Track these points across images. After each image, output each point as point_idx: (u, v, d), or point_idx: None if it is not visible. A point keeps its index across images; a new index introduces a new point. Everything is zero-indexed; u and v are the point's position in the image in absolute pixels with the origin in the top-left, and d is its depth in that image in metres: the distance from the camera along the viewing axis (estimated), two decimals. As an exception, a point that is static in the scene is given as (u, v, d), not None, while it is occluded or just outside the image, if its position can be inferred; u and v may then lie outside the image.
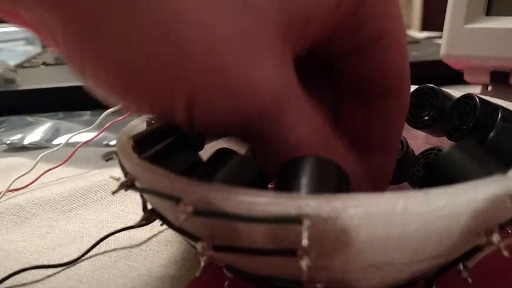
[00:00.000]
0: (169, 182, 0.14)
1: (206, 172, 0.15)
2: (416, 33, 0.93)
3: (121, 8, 0.12)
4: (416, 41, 0.63)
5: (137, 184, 0.16)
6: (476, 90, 0.39)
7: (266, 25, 0.14)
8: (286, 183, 0.14)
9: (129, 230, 0.23)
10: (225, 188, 0.13)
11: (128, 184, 0.16)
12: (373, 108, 0.19)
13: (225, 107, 0.14)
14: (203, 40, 0.13)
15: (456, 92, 0.24)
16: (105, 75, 0.14)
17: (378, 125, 0.19)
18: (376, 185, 0.19)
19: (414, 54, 0.53)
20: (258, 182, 0.16)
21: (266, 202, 0.13)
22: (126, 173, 0.17)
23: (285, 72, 0.15)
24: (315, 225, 0.12)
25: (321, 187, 0.13)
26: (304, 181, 0.13)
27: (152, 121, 0.22)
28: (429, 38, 0.77)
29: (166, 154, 0.17)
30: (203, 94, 0.13)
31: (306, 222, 0.12)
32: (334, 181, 0.14)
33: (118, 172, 0.29)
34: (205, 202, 0.13)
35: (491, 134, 0.17)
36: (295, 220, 0.12)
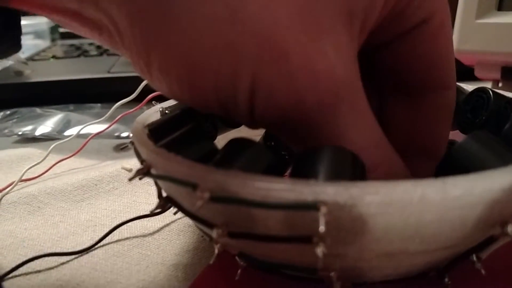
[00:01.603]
0: (186, 168, 0.14)
1: (223, 159, 0.15)
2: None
3: None
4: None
5: (153, 171, 0.16)
6: (486, 86, 0.39)
7: (332, 12, 0.13)
8: (302, 171, 0.14)
9: (142, 220, 0.23)
10: (242, 175, 0.13)
11: (144, 171, 0.16)
12: (421, 105, 0.17)
13: (285, 94, 0.13)
14: (268, 22, 0.12)
15: (468, 86, 0.24)
16: (173, 67, 0.14)
17: (427, 125, 0.17)
18: None
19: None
20: (274, 170, 0.16)
21: (283, 188, 0.13)
22: (142, 161, 0.17)
23: (348, 63, 0.14)
24: (331, 212, 0.12)
25: (337, 175, 0.14)
26: (321, 168, 0.14)
27: (166, 111, 0.22)
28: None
29: (182, 142, 0.17)
30: (265, 78, 0.13)
31: (323, 209, 0.12)
32: (351, 170, 0.14)
33: (130, 163, 0.30)
34: (222, 189, 0.14)
35: (507, 126, 0.17)
36: (312, 206, 0.12)
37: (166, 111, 0.22)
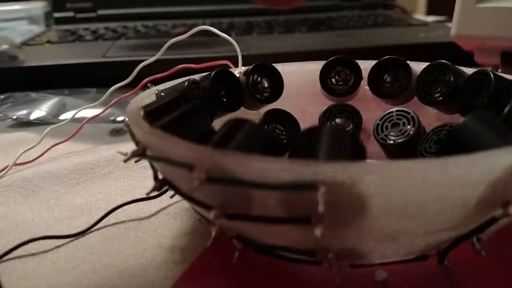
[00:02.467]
0: (182, 149, 0.14)
1: (220, 140, 0.15)
2: (423, 17, 0.92)
3: None
4: (424, 24, 0.62)
5: (149, 153, 0.16)
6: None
7: None
8: (301, 152, 0.14)
9: (138, 203, 0.23)
10: (239, 155, 0.13)
11: (140, 153, 0.16)
12: None
13: None
14: None
15: (468, 69, 0.23)
16: None
17: None
18: None
19: (422, 36, 0.52)
20: (272, 151, 0.15)
21: (281, 168, 0.12)
22: (137, 142, 0.17)
23: None
24: (330, 192, 0.12)
25: (337, 155, 0.13)
26: (320, 149, 0.13)
27: (162, 93, 0.22)
28: (436, 21, 0.76)
29: (178, 123, 0.17)
30: None
31: (322, 189, 0.12)
32: (350, 150, 0.14)
33: (126, 147, 0.29)
34: (219, 169, 0.13)
35: (507, 108, 0.16)
36: (311, 186, 0.12)
37: (162, 94, 0.22)
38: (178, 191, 0.16)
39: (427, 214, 0.13)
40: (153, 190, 0.17)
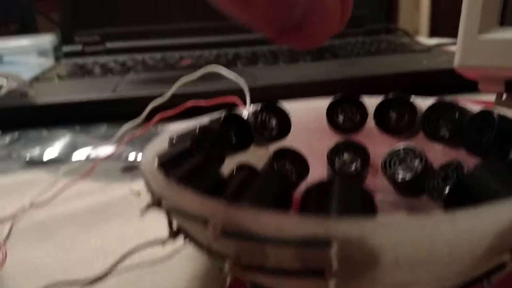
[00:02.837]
0: (197, 203, 0.15)
1: (233, 192, 0.15)
2: (426, 40, 0.93)
3: None
4: (427, 50, 0.63)
5: (164, 203, 0.16)
6: (490, 98, 0.39)
7: None
8: (313, 205, 0.14)
9: (152, 246, 0.23)
10: (253, 210, 0.13)
11: (155, 204, 0.17)
12: None
13: None
14: None
15: (473, 106, 0.24)
16: None
17: None
18: None
19: (425, 63, 0.53)
20: (284, 199, 0.16)
21: (295, 224, 0.13)
22: (152, 193, 0.17)
23: None
24: (343, 248, 0.12)
25: (347, 209, 0.14)
26: (331, 203, 0.14)
27: (174, 140, 0.22)
28: (438, 45, 0.77)
29: (192, 174, 0.17)
30: None
31: (335, 246, 0.12)
32: (360, 203, 0.14)
33: (137, 185, 0.30)
34: (233, 224, 0.14)
35: (511, 153, 0.17)
36: (324, 243, 0.12)
37: (175, 140, 0.22)
38: (193, 240, 0.17)
39: (436, 264, 0.13)
40: (168, 238, 0.17)
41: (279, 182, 0.16)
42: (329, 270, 0.13)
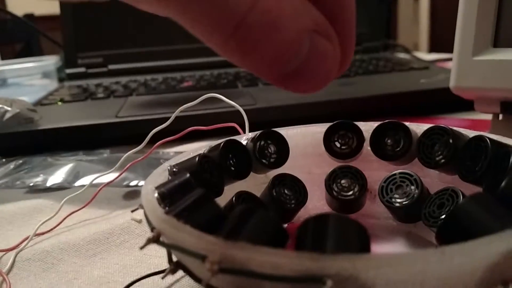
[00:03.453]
0: (195, 239, 0.15)
1: (230, 228, 0.16)
2: (425, 55, 0.94)
3: None
4: (425, 67, 0.63)
5: (163, 239, 0.17)
6: (487, 117, 0.39)
7: None
8: (308, 242, 0.15)
9: (153, 276, 0.23)
10: (250, 247, 0.14)
11: (155, 239, 0.17)
12: None
13: None
14: None
15: (467, 131, 0.24)
16: None
17: None
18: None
19: (424, 82, 0.54)
20: (279, 236, 0.16)
21: (290, 262, 0.13)
22: (152, 228, 0.18)
23: None
24: (337, 285, 0.13)
25: (341, 245, 0.14)
26: (326, 239, 0.14)
27: (174, 170, 0.23)
28: (437, 61, 0.78)
29: (190, 208, 0.18)
30: None
31: (329, 283, 0.13)
32: (354, 238, 0.15)
33: (139, 214, 0.30)
34: (231, 261, 0.14)
35: (503, 183, 0.17)
36: (318, 280, 0.13)
37: (174, 169, 0.23)
38: (191, 275, 0.17)
39: (430, 299, 0.14)
40: (167, 273, 0.18)
41: (275, 222, 0.17)
42: (324, 306, 0.13)
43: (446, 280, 0.13)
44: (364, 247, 0.14)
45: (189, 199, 0.18)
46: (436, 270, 0.13)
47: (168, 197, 0.19)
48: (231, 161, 0.26)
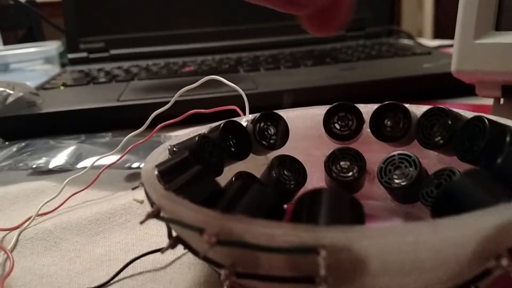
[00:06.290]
0: (194, 213, 0.15)
1: (228, 202, 0.16)
2: (428, 41, 0.93)
3: None
4: (428, 52, 0.63)
5: (163, 214, 0.17)
6: (489, 101, 0.39)
7: None
8: (303, 215, 0.15)
9: (154, 253, 0.24)
10: (246, 219, 0.14)
11: (155, 214, 0.17)
12: None
13: None
14: None
15: (466, 112, 0.24)
16: None
17: None
18: None
19: (426, 67, 0.53)
20: (276, 210, 0.16)
21: (285, 233, 0.13)
22: (152, 203, 0.18)
23: None
24: (331, 255, 0.13)
25: (336, 218, 0.14)
26: (320, 212, 0.14)
27: (174, 149, 0.23)
28: (440, 47, 0.77)
29: (190, 184, 0.18)
30: None
31: (323, 253, 0.13)
32: (349, 212, 0.15)
33: (141, 195, 0.31)
34: (228, 233, 0.14)
35: (499, 159, 0.17)
36: (313, 250, 0.13)
37: (174, 149, 0.23)
38: (190, 249, 0.17)
39: (423, 271, 0.14)
40: (167, 248, 0.18)
41: (272, 195, 0.17)
42: (318, 277, 0.13)
43: (439, 252, 0.13)
44: (358, 220, 0.14)
45: (188, 175, 0.18)
46: (429, 241, 0.13)
47: (168, 174, 0.19)
48: (231, 142, 0.26)
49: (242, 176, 0.25)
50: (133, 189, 0.22)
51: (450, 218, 0.13)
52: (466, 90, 0.43)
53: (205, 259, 0.17)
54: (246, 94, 0.32)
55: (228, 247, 0.15)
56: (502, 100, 0.38)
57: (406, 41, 0.79)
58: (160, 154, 0.23)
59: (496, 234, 0.14)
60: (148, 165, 0.20)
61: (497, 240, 0.14)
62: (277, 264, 0.14)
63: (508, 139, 0.19)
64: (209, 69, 0.63)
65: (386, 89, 0.50)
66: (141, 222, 0.17)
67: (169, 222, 0.17)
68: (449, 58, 0.56)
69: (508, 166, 0.17)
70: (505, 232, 0.14)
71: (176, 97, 0.31)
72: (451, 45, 0.79)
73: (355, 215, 0.15)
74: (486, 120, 0.21)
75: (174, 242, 0.18)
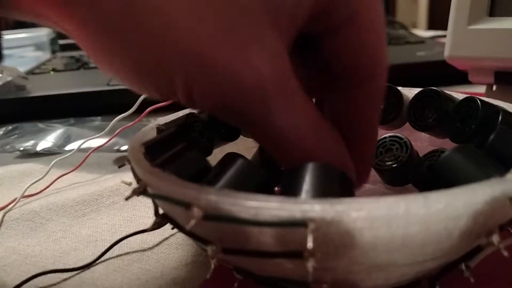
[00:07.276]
0: (180, 188, 0.15)
1: (215, 177, 0.16)
2: (422, 32, 0.93)
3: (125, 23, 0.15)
4: (421, 41, 0.63)
5: (149, 190, 0.17)
6: (481, 89, 0.39)
7: (252, 18, 0.15)
8: (291, 188, 0.15)
9: (141, 234, 0.23)
10: (233, 194, 0.14)
11: (141, 191, 0.17)
12: (354, 95, 0.18)
13: (216, 96, 0.15)
14: (192, 41, 0.14)
15: (458, 94, 0.24)
16: (122, 73, 0.17)
17: (359, 111, 0.18)
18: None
19: (419, 55, 0.53)
20: (264, 186, 0.16)
21: (273, 206, 0.13)
22: (138, 180, 0.17)
23: (274, 59, 0.15)
24: (319, 228, 0.13)
25: (325, 192, 0.14)
26: (309, 186, 0.14)
27: (162, 128, 0.23)
28: (434, 37, 0.77)
29: (176, 160, 0.18)
30: (196, 85, 0.15)
31: (311, 226, 0.13)
32: (337, 186, 0.14)
33: (129, 177, 0.30)
34: (215, 207, 0.14)
35: (491, 137, 0.17)
36: (301, 223, 0.13)
37: (163, 128, 0.23)
38: (178, 226, 0.17)
39: (413, 246, 0.14)
40: (154, 225, 0.18)
41: (260, 171, 0.17)
42: (306, 251, 0.13)
43: (430, 225, 0.13)
44: (347, 193, 0.14)
45: (174, 151, 0.18)
46: (420, 214, 0.13)
47: (154, 150, 0.19)
48: (220, 123, 0.26)
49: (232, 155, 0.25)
50: (119, 167, 0.22)
51: (442, 191, 0.13)
52: (459, 77, 0.43)
53: (192, 235, 0.16)
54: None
55: (215, 221, 0.14)
56: (494, 87, 0.38)
57: (400, 32, 0.79)
58: (148, 132, 0.22)
59: (487, 209, 0.13)
60: (135, 142, 0.20)
61: (489, 215, 0.14)
62: (264, 239, 0.14)
63: (500, 118, 0.18)
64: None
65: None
66: (127, 198, 0.17)
67: (156, 198, 0.17)
68: (442, 47, 0.56)
69: (500, 144, 0.17)
70: (497, 207, 0.14)
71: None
72: (445, 36, 0.79)
73: (344, 189, 0.14)
74: (478, 101, 0.21)
75: (160, 219, 0.18)
